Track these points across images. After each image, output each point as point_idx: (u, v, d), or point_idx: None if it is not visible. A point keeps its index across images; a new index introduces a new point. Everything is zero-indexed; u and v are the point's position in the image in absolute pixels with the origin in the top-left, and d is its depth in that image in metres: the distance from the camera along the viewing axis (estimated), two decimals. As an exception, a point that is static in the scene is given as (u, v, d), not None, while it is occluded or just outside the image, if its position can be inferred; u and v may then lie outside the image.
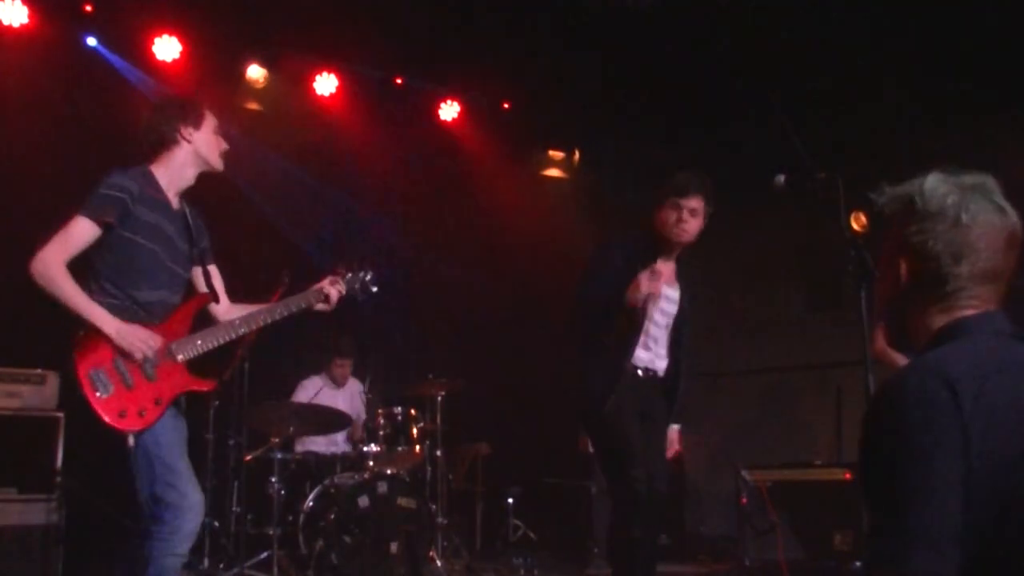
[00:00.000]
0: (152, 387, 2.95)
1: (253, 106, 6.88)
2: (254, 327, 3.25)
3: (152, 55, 6.29)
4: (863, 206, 2.88)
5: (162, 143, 3.14)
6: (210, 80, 6.45)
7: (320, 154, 7.14)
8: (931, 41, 5.72)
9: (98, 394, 2.86)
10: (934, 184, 1.51)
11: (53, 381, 5.01)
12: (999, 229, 1.49)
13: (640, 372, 3.82)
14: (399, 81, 7.31)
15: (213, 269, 3.36)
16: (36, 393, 4.97)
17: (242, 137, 6.55)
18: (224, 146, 3.25)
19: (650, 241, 3.83)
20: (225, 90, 6.63)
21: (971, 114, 6.11)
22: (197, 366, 3.20)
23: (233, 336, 3.19)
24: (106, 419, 2.85)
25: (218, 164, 3.23)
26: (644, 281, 3.56)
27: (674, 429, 3.98)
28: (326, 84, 7.00)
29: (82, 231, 2.93)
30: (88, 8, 6.10)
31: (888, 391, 1.39)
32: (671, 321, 3.88)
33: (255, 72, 6.75)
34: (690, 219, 3.72)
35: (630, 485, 3.62)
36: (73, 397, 2.89)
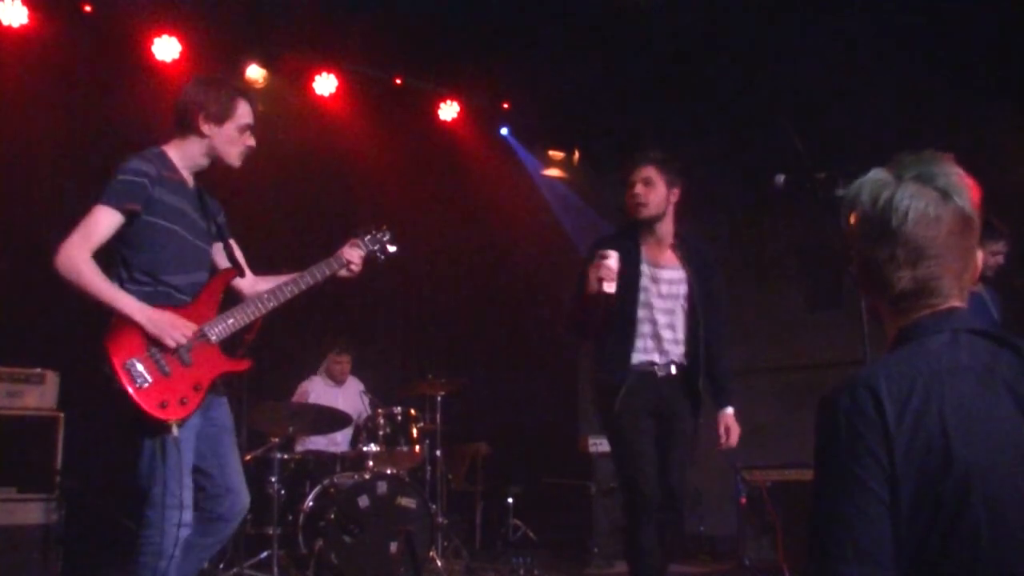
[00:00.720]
0: (189, 372, 2.85)
1: (253, 106, 6.87)
2: (283, 299, 3.14)
3: (152, 55, 6.29)
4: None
5: (181, 127, 3.05)
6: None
7: (320, 154, 7.14)
8: (932, 40, 5.72)
9: (137, 384, 2.74)
10: (871, 184, 1.46)
11: (53, 381, 5.02)
12: (937, 219, 1.42)
13: (651, 369, 3.63)
14: (399, 81, 7.31)
15: (233, 243, 3.26)
16: (36, 393, 4.97)
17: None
18: (249, 143, 3.11)
19: (629, 229, 3.74)
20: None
21: (973, 114, 6.11)
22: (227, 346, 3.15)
23: (263, 310, 3.07)
24: (148, 411, 2.73)
25: (234, 162, 3.10)
26: (591, 269, 3.47)
27: (727, 413, 3.72)
28: (326, 84, 7.00)
29: (105, 221, 2.82)
30: (88, 8, 6.10)
31: (823, 403, 1.39)
32: (683, 304, 3.68)
33: (255, 72, 6.75)
34: (643, 188, 3.63)
35: (633, 493, 3.52)
36: (108, 377, 2.74)
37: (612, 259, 3.47)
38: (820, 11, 5.75)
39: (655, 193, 3.65)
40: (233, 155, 3.09)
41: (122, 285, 2.85)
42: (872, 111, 6.50)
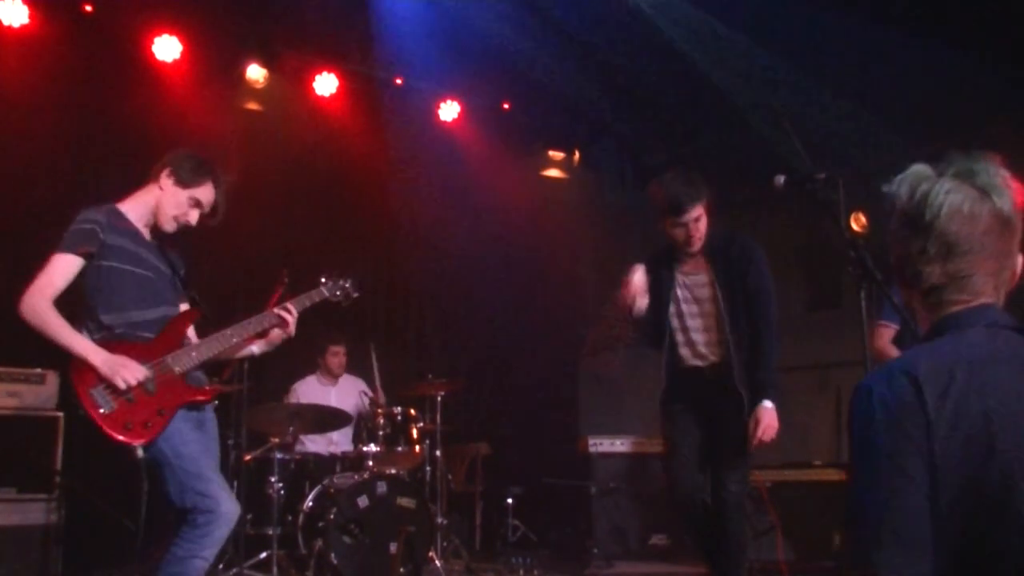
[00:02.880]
0: (153, 400, 3.02)
1: (253, 106, 6.88)
2: (244, 335, 3.30)
3: (152, 55, 6.28)
4: (863, 206, 2.88)
5: (146, 177, 3.26)
6: (210, 80, 6.45)
7: (320, 154, 7.14)
8: (932, 40, 5.71)
9: (101, 411, 2.94)
10: (914, 178, 1.46)
11: (53, 381, 5.01)
12: (972, 216, 1.41)
13: (692, 373, 3.78)
14: (399, 81, 7.31)
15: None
16: (36, 393, 4.97)
17: (242, 137, 6.59)
18: (189, 219, 3.26)
19: (671, 252, 3.86)
20: (225, 90, 6.64)
21: (974, 113, 6.10)
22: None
23: (226, 346, 3.25)
24: (112, 434, 2.92)
25: (165, 224, 3.25)
26: (622, 290, 3.63)
27: (764, 408, 3.62)
28: (326, 84, 7.00)
29: (62, 266, 3.04)
30: (88, 8, 6.10)
31: (858, 390, 1.39)
32: (712, 308, 3.77)
33: (255, 72, 6.74)
34: (696, 227, 3.70)
35: (672, 496, 3.73)
36: (75, 404, 2.95)
37: (638, 274, 3.62)
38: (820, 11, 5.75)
39: (704, 224, 3.73)
40: (168, 216, 3.24)
41: (91, 333, 3.05)
42: (873, 110, 6.50)
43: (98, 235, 3.07)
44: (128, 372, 2.97)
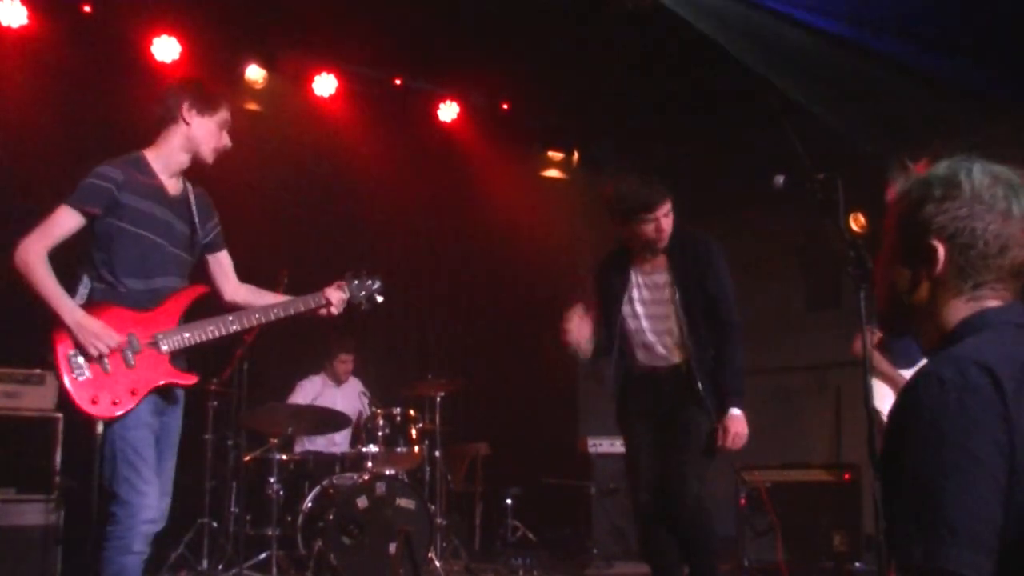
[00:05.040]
0: (130, 375, 2.91)
1: (252, 106, 6.88)
2: (247, 324, 3.18)
3: (152, 55, 6.28)
4: (863, 206, 2.88)
5: (162, 121, 3.11)
6: (210, 80, 6.43)
7: (319, 154, 7.14)
8: (933, 39, 5.71)
9: (74, 375, 2.84)
10: (981, 173, 1.44)
11: (52, 381, 5.00)
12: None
13: (649, 374, 3.69)
14: (399, 81, 7.31)
15: (222, 255, 3.31)
16: (35, 393, 4.96)
17: (241, 137, 6.59)
18: (225, 143, 3.17)
19: (625, 254, 3.77)
20: (225, 90, 6.63)
21: (976, 113, 6.09)
22: (197, 363, 3.18)
23: (224, 331, 3.11)
24: (77, 403, 2.83)
25: (208, 157, 3.15)
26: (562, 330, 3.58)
27: (733, 416, 3.54)
28: (325, 84, 7.00)
29: (64, 219, 2.95)
30: (88, 8, 6.10)
31: (923, 380, 1.31)
32: (672, 309, 3.67)
33: (254, 72, 6.75)
34: (666, 222, 3.63)
35: (634, 501, 3.67)
36: (49, 363, 2.88)
37: (576, 323, 3.56)
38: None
39: (671, 220, 3.66)
40: (208, 150, 3.14)
41: (91, 284, 2.96)
42: (873, 111, 6.50)
43: (112, 195, 2.95)
44: (100, 339, 2.85)
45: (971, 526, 1.21)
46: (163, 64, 6.31)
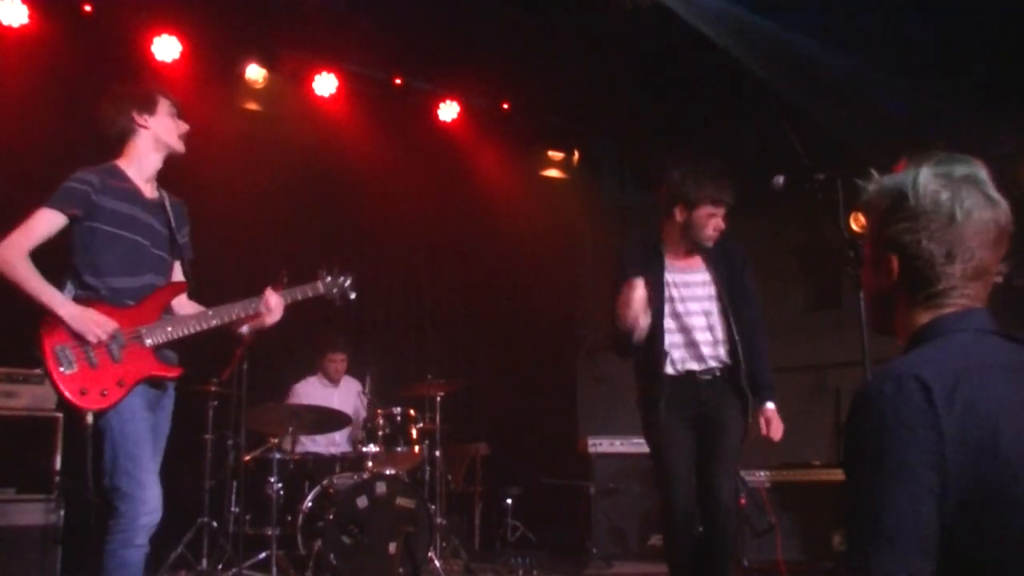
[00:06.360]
0: (117, 368, 2.97)
1: (253, 106, 6.88)
2: (226, 319, 3.22)
3: (152, 55, 6.28)
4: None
5: (123, 134, 3.20)
6: (210, 80, 6.45)
7: (319, 154, 7.13)
8: (933, 39, 5.71)
9: (62, 369, 2.90)
10: (927, 179, 1.45)
11: (52, 382, 5.01)
12: (990, 224, 1.44)
13: (690, 376, 3.55)
14: (399, 81, 7.31)
15: (178, 264, 3.33)
16: (35, 393, 4.97)
17: (241, 137, 6.59)
18: (183, 127, 3.26)
19: (650, 238, 3.66)
20: (225, 90, 6.63)
21: (975, 113, 6.09)
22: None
23: (204, 327, 3.17)
24: (67, 395, 2.88)
25: (178, 146, 3.24)
26: (619, 303, 3.35)
27: (767, 408, 3.57)
28: (325, 84, 6.99)
29: (44, 220, 3.00)
30: (88, 8, 6.09)
31: (864, 394, 1.38)
32: (714, 306, 3.59)
33: (254, 72, 6.74)
34: (723, 222, 3.58)
35: (666, 511, 3.48)
36: (37, 358, 2.92)
37: (638, 290, 3.33)
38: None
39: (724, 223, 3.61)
40: (175, 140, 3.23)
41: (75, 291, 3.00)
42: (873, 110, 6.49)
43: (90, 197, 3.02)
44: (98, 327, 2.92)
45: (907, 534, 1.29)
46: (163, 64, 6.30)
